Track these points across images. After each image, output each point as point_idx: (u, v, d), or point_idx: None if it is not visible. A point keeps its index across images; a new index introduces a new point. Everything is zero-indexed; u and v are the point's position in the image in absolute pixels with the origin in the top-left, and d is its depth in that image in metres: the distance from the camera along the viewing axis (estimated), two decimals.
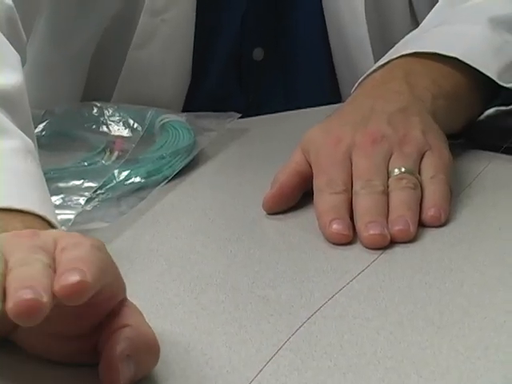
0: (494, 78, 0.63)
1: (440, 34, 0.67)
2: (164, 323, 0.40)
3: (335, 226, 0.51)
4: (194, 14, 0.77)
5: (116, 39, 0.77)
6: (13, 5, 0.60)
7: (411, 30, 0.71)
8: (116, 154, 0.60)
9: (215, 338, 0.39)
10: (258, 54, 0.81)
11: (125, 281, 0.37)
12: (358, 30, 0.77)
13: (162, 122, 0.66)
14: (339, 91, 0.83)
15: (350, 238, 0.51)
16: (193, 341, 0.39)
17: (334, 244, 0.51)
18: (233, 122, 0.68)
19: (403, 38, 0.69)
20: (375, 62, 0.73)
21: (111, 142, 0.63)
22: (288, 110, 0.78)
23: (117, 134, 0.64)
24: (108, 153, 0.61)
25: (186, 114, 0.70)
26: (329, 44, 0.80)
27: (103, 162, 0.60)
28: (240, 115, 0.69)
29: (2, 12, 0.59)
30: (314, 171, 0.55)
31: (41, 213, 0.43)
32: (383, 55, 0.67)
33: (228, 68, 0.81)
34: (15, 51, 0.55)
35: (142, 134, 0.63)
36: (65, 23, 0.78)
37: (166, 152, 0.62)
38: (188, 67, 0.79)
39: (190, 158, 0.64)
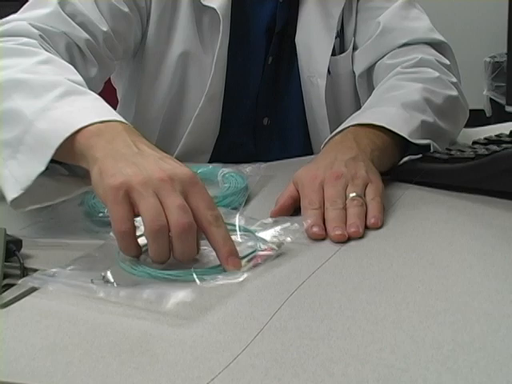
0: (406, 136, 0.85)
1: (373, 112, 0.89)
2: None
3: (314, 229, 0.68)
4: (223, 91, 1.03)
5: (176, 108, 1.04)
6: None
7: (355, 111, 0.94)
8: None
9: None
10: (265, 121, 1.08)
11: None
12: (321, 112, 1.04)
13: (222, 173, 0.83)
14: (311, 145, 1.09)
15: (323, 236, 0.68)
16: None
17: (314, 240, 0.68)
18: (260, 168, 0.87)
19: (350, 115, 0.91)
20: (330, 129, 1.01)
21: None
22: (282, 156, 1.03)
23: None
24: None
25: (234, 165, 0.87)
26: (306, 118, 1.08)
27: None
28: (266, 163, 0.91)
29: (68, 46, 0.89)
30: (301, 196, 0.74)
31: None
32: (337, 126, 0.89)
33: (246, 128, 1.07)
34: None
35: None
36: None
37: (233, 191, 0.79)
38: (217, 127, 1.05)
39: (247, 194, 0.80)
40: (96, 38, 0.95)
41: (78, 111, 0.70)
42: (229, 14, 1.02)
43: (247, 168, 0.87)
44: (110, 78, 1.14)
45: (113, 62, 1.01)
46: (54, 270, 0.59)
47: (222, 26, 1.00)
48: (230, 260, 0.60)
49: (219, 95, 1.05)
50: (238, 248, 0.62)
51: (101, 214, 0.71)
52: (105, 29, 0.95)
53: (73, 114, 0.70)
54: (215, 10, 0.99)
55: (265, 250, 0.64)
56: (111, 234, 0.61)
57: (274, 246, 0.65)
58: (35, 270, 0.62)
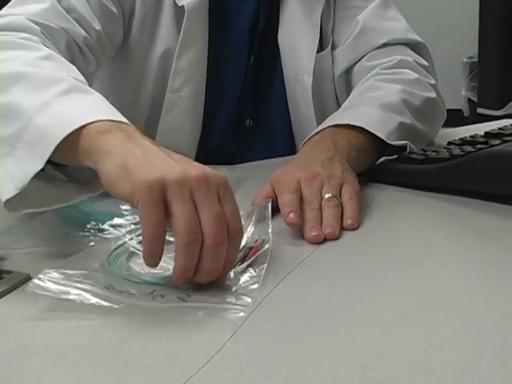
0: (384, 138, 0.86)
1: (352, 113, 0.91)
2: None
3: (291, 215, 0.69)
4: (204, 92, 1.02)
5: (158, 109, 1.02)
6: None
7: (336, 110, 0.95)
8: None
9: None
10: (248, 122, 1.08)
11: None
12: (308, 110, 1.04)
13: None
14: (295, 146, 1.09)
15: (298, 224, 0.69)
16: None
17: (290, 239, 0.68)
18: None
19: (330, 115, 0.92)
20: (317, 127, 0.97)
21: None
22: (266, 156, 1.04)
23: None
24: None
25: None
26: (289, 117, 1.08)
27: None
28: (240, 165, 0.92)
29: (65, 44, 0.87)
30: (278, 196, 0.74)
31: None
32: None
33: (229, 129, 1.07)
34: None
35: None
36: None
37: None
38: (199, 127, 1.04)
39: None
40: (90, 35, 0.94)
41: (83, 108, 0.65)
42: (204, 12, 1.02)
43: (222, 170, 0.86)
44: None
45: (101, 62, 1.01)
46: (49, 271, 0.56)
47: (197, 24, 1.01)
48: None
49: (195, 95, 1.04)
50: None
51: (93, 223, 0.68)
52: (97, 27, 0.95)
53: (77, 110, 0.65)
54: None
55: (252, 248, 0.63)
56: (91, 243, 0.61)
57: (258, 245, 0.64)
58: (9, 272, 0.62)
